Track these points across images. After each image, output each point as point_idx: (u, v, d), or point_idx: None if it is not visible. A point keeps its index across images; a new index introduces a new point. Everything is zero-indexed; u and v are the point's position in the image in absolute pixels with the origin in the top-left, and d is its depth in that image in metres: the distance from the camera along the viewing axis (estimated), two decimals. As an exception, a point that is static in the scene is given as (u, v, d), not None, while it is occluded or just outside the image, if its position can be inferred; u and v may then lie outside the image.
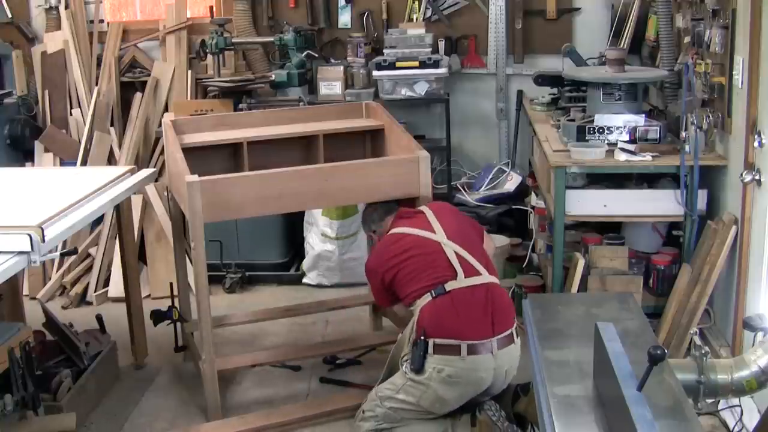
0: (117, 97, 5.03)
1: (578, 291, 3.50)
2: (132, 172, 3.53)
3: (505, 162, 5.06)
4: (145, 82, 5.04)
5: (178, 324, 3.65)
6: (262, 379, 3.62)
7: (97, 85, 5.07)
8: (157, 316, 3.61)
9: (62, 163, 4.94)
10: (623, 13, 4.60)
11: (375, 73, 4.65)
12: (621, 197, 3.52)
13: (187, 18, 5.09)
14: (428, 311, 2.78)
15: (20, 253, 2.59)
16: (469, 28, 5.03)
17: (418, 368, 2.75)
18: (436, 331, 2.74)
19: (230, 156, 3.59)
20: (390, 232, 3.06)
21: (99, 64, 5.12)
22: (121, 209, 3.53)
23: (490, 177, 4.95)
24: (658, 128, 3.56)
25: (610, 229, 3.82)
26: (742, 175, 3.00)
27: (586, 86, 3.91)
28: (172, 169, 3.47)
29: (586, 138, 3.60)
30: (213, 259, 4.23)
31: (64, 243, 4.49)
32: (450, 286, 2.81)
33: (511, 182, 4.89)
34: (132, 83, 5.11)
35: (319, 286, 4.61)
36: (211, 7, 4.95)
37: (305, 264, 4.64)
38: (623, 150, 3.44)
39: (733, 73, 3.14)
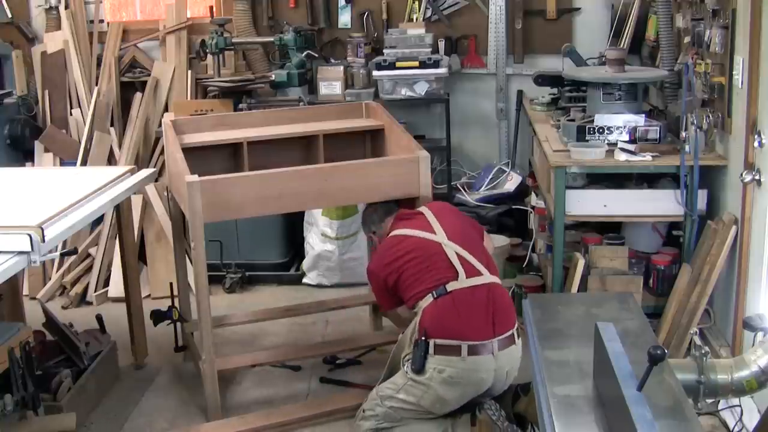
0: (117, 97, 5.03)
1: (578, 291, 3.50)
2: (132, 172, 3.53)
3: (505, 162, 5.06)
4: (145, 82, 5.04)
5: (178, 324, 3.65)
6: (262, 379, 3.62)
7: (97, 85, 5.07)
8: (157, 316, 3.61)
9: (62, 163, 4.94)
10: (623, 13, 4.60)
11: (375, 73, 4.65)
12: (621, 197, 3.52)
13: (187, 18, 5.09)
14: (430, 312, 2.78)
15: (20, 253, 2.59)
16: (469, 28, 5.03)
17: (419, 368, 2.75)
18: (437, 331, 2.74)
19: (230, 156, 3.59)
20: (391, 234, 3.05)
21: (99, 64, 5.12)
22: (121, 209, 3.53)
23: (490, 177, 4.95)
24: (658, 128, 3.56)
25: (610, 229, 3.82)
26: (742, 175, 3.00)
27: (586, 86, 3.91)
28: (172, 169, 3.47)
29: (586, 138, 3.60)
30: (213, 259, 4.23)
31: (64, 243, 4.49)
32: (451, 286, 2.81)
33: (511, 182, 4.89)
34: (132, 83, 5.11)
35: (319, 286, 4.61)
36: (211, 7, 4.95)
37: (305, 264, 4.64)
38: (623, 150, 3.44)
39: (733, 73, 3.14)
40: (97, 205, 3.11)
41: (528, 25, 4.98)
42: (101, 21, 5.21)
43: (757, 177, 2.95)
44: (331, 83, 4.85)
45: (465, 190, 4.95)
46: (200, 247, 3.05)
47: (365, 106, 3.90)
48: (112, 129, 4.99)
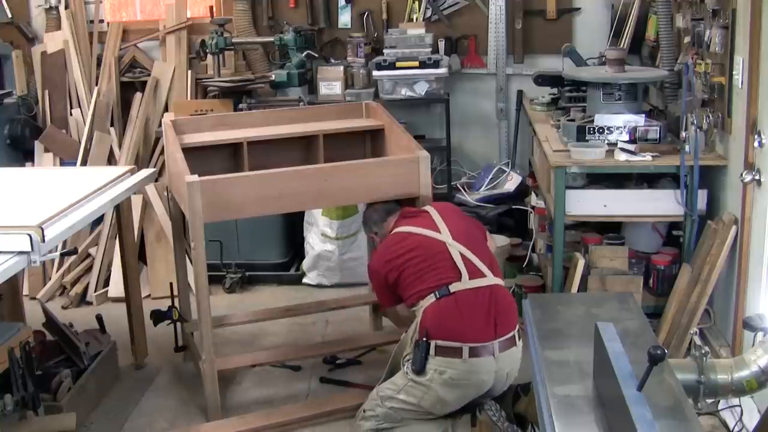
0: (117, 97, 5.03)
1: (578, 291, 3.50)
2: (132, 172, 3.53)
3: (505, 162, 5.06)
4: (145, 82, 5.04)
5: (178, 324, 3.65)
6: (262, 379, 3.61)
7: (97, 85, 5.07)
8: (157, 316, 3.61)
9: (62, 163, 4.94)
10: (623, 13, 4.60)
11: (375, 73, 4.65)
12: (621, 197, 3.52)
13: (187, 18, 5.09)
14: (432, 312, 2.78)
15: (20, 253, 2.59)
16: (469, 28, 5.03)
17: (420, 369, 2.75)
18: (438, 332, 2.74)
19: (230, 156, 3.60)
20: (394, 231, 3.05)
21: (99, 64, 5.12)
22: (121, 209, 3.53)
23: (490, 177, 4.94)
24: (658, 128, 3.56)
25: (610, 229, 3.82)
26: (742, 175, 3.00)
27: (586, 86, 3.91)
28: (172, 169, 3.47)
29: (586, 138, 3.60)
30: (213, 259, 4.23)
31: (64, 243, 4.49)
32: (455, 287, 2.80)
33: (511, 182, 4.89)
34: (132, 83, 5.11)
35: (319, 286, 4.61)
36: (211, 7, 4.95)
37: (305, 264, 4.64)
38: (623, 150, 3.44)
39: (733, 73, 3.14)
40: (97, 205, 3.11)
41: (528, 25, 4.98)
42: (101, 21, 5.21)
43: (757, 177, 2.95)
44: (331, 83, 4.85)
45: (465, 190, 4.95)
46: (200, 247, 3.05)
47: (365, 106, 3.90)
48: (112, 129, 4.99)
